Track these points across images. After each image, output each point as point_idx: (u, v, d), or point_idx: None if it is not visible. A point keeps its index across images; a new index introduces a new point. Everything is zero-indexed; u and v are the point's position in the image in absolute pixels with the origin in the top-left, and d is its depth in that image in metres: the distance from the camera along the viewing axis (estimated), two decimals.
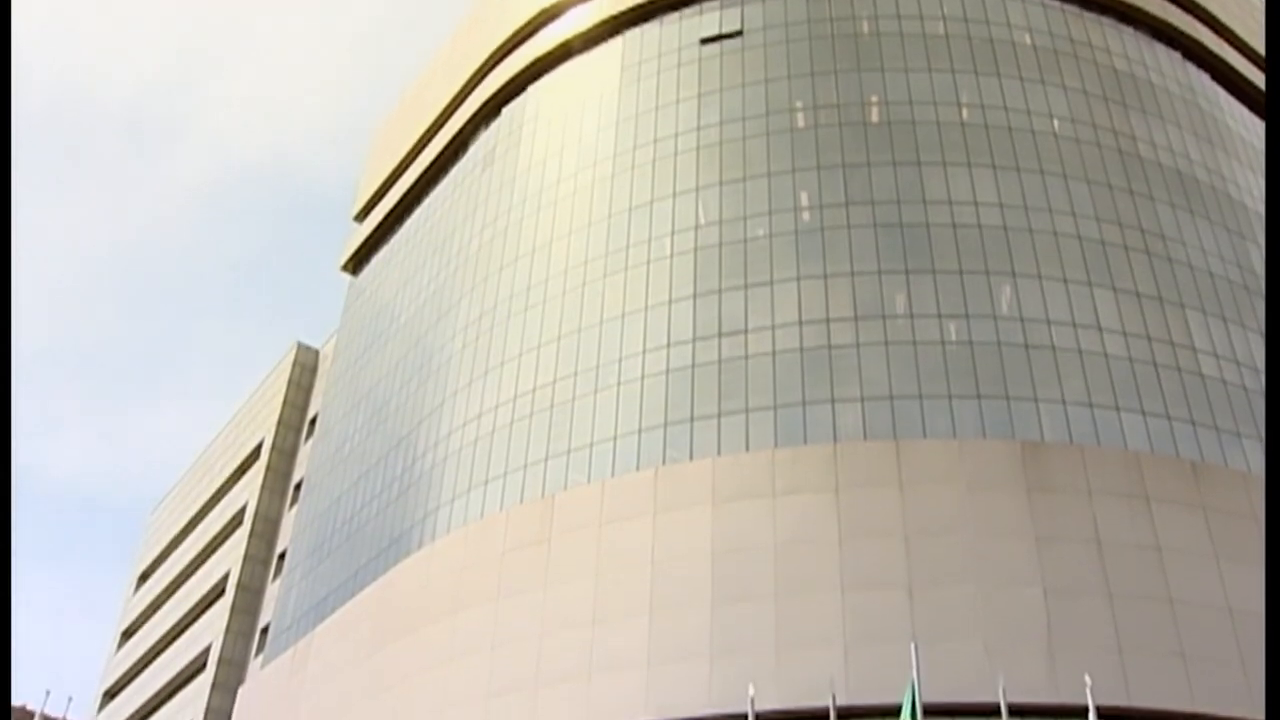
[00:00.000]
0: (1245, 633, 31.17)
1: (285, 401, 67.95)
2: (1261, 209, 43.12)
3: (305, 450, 62.10)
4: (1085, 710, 25.04)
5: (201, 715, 60.12)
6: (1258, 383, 37.27)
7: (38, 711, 38.88)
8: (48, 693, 38.88)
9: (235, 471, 70.88)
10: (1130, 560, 31.74)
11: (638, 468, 34.94)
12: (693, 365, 36.19)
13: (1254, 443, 35.77)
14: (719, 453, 34.32)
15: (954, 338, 35.54)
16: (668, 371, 36.38)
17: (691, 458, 34.55)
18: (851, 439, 33.81)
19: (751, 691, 25.33)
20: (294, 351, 69.63)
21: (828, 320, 35.95)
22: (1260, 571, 32.42)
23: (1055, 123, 41.58)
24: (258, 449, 68.59)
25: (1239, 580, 32.06)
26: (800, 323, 36.06)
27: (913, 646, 25.35)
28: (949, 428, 33.80)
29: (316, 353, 68.94)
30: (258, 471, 66.82)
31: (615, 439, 35.81)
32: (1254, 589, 31.91)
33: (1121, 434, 34.47)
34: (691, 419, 35.22)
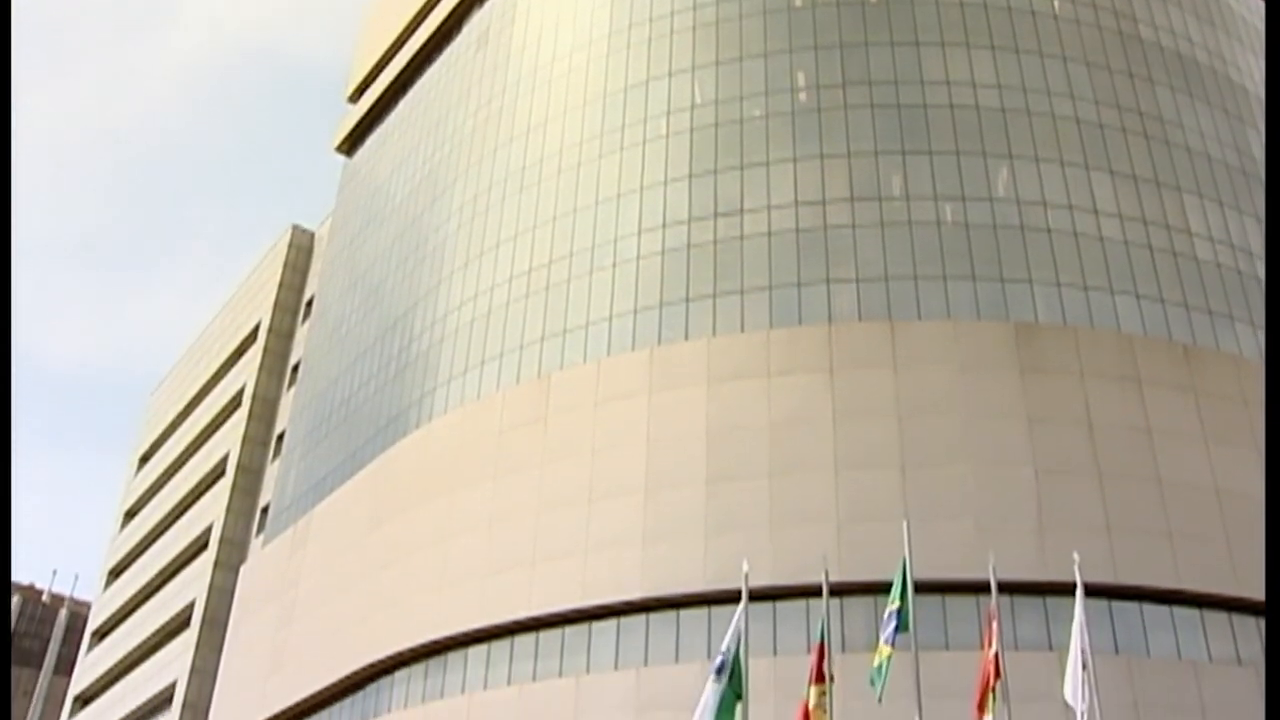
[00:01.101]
0: (1232, 513, 31.59)
1: (281, 284, 67.88)
2: (1261, 93, 42.76)
3: (302, 332, 62.20)
4: (1073, 587, 25.33)
5: (204, 593, 60.91)
6: (1251, 267, 37.30)
7: (45, 589, 39.41)
8: (54, 572, 39.54)
9: (233, 354, 71.02)
10: (1121, 441, 32.03)
11: (633, 348, 35.05)
12: (688, 246, 36.15)
13: (1245, 326, 35.90)
14: (714, 333, 34.43)
15: (950, 219, 35.47)
16: (663, 252, 36.35)
17: (687, 338, 34.65)
18: (846, 320, 33.89)
19: (745, 567, 25.54)
20: (289, 234, 69.38)
21: (824, 201, 35.84)
22: (1250, 453, 32.83)
23: (1055, 3, 41.07)
24: (255, 331, 68.66)
25: (1227, 461, 32.41)
26: (796, 204, 35.94)
27: (905, 524, 25.56)
28: (944, 309, 33.87)
29: (312, 235, 68.70)
30: (255, 354, 66.96)
31: (611, 319, 35.89)
32: (1241, 470, 32.32)
33: (1115, 316, 34.57)
34: (687, 299, 35.26)
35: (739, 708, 23.18)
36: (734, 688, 23.35)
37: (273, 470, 57.63)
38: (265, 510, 55.82)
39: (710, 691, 23.25)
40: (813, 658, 23.99)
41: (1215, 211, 37.89)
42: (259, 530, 57.03)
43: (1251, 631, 30.69)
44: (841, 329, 33.56)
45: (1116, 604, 30.04)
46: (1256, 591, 30.59)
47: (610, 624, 31.39)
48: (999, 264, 34.68)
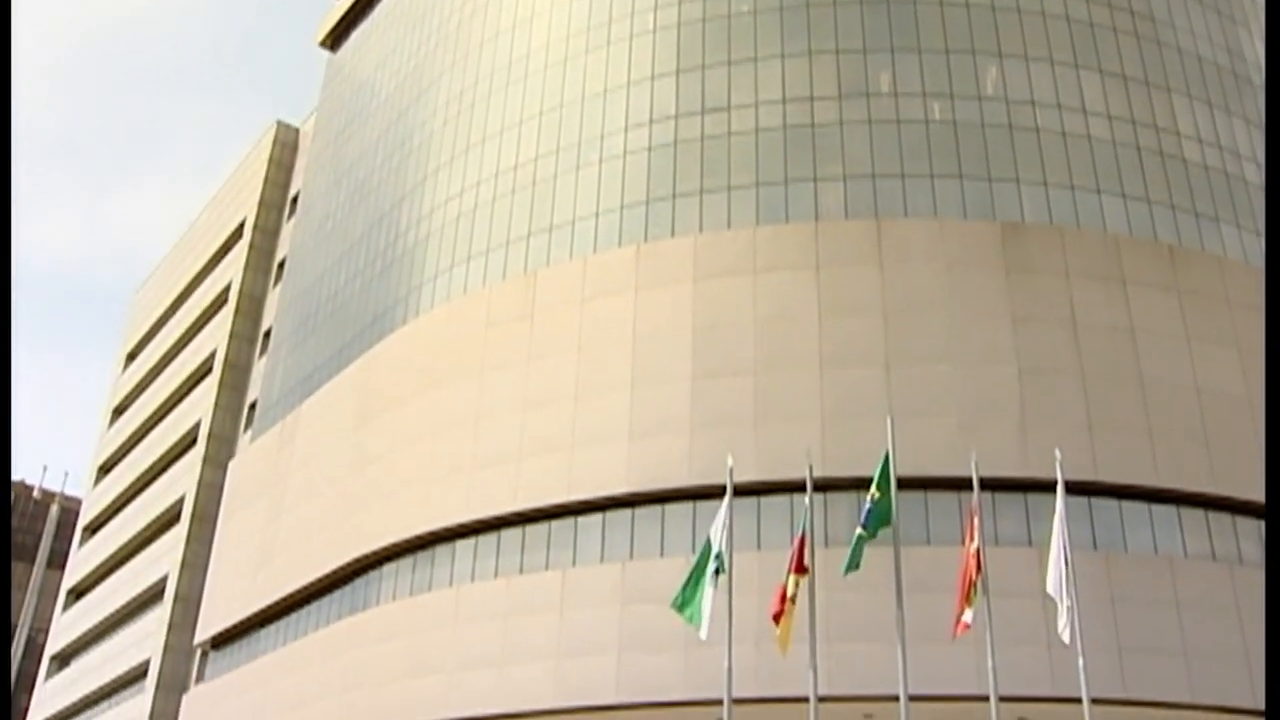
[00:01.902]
0: (1212, 411, 31.91)
1: (266, 180, 67.47)
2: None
3: (287, 229, 61.97)
4: (1054, 484, 25.63)
5: (194, 489, 61.28)
6: (1239, 169, 37.26)
7: (36, 485, 39.64)
8: (45, 468, 39.67)
9: (219, 251, 70.78)
10: (1104, 340, 32.21)
11: (620, 244, 35.02)
12: (675, 142, 35.96)
13: (1231, 228, 35.95)
14: (701, 230, 34.39)
15: (938, 117, 35.31)
16: (650, 148, 36.17)
17: (673, 234, 34.61)
18: (833, 217, 33.86)
19: (730, 463, 25.82)
20: (274, 130, 68.77)
21: (811, 98, 35.61)
22: (1231, 352, 33.08)
23: None
24: (240, 228, 68.39)
25: (1209, 361, 32.66)
26: (784, 100, 35.71)
27: (888, 421, 25.80)
28: (930, 207, 33.86)
29: (297, 131, 68.12)
30: (241, 250, 66.75)
31: (597, 215, 35.81)
32: (1222, 369, 32.59)
33: (1101, 216, 34.59)
34: (674, 196, 35.16)
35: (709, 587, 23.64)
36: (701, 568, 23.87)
37: (260, 366, 57.75)
38: (253, 406, 56.01)
39: (709, 594, 23.66)
40: (794, 548, 24.35)
41: (1204, 113, 37.76)
42: (247, 426, 57.26)
43: (1227, 528, 31.16)
44: (828, 226, 33.54)
45: (1096, 501, 30.42)
46: (1233, 489, 31.10)
47: (596, 518, 31.73)
48: (986, 163, 34.60)
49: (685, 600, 23.81)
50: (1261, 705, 28.78)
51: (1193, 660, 28.79)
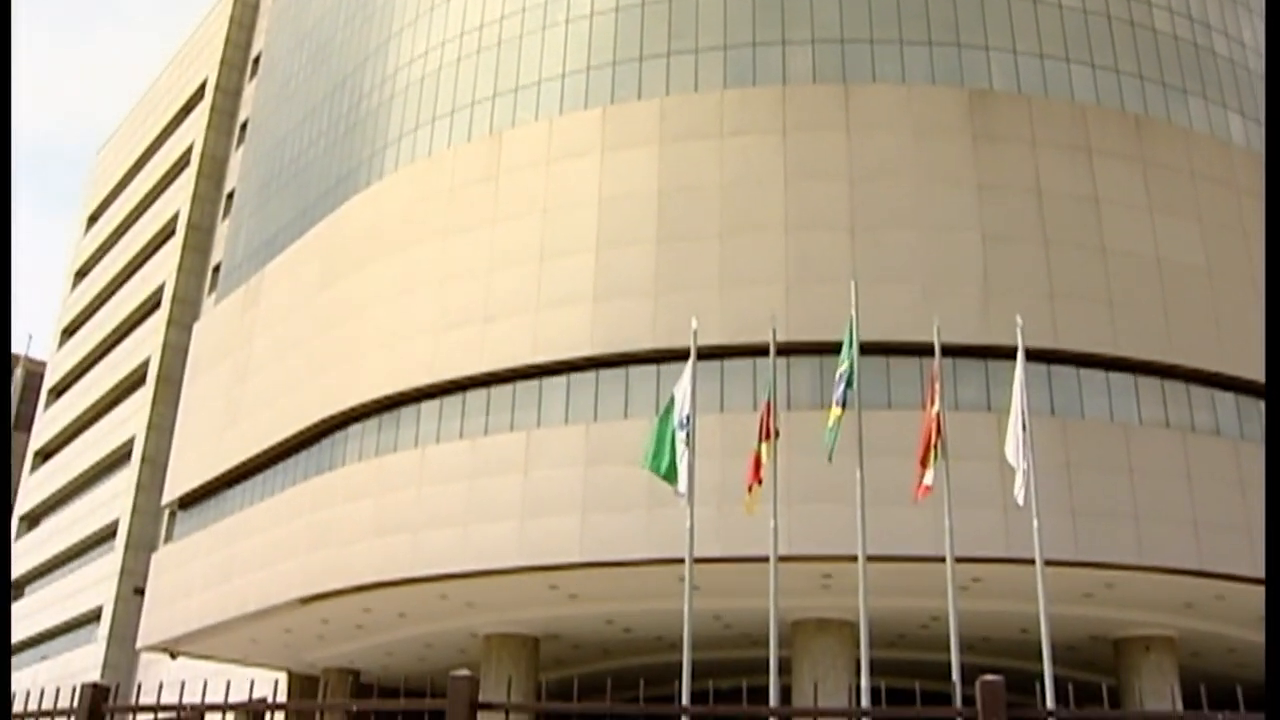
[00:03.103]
0: (1171, 282, 32.23)
1: (228, 40, 66.49)
2: None
3: (250, 89, 61.18)
4: (1014, 351, 25.93)
5: (159, 351, 61.35)
6: (1209, 40, 37.14)
7: None
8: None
9: (180, 111, 69.96)
10: (1068, 210, 32.36)
11: (586, 106, 34.74)
12: (643, 3, 35.45)
13: (1198, 100, 35.95)
14: (667, 92, 34.12)
15: None
16: (617, 9, 35.69)
17: (640, 97, 34.34)
18: (801, 81, 33.65)
19: (694, 325, 26.00)
20: None
21: None
22: (1193, 225, 33.33)
23: None
24: (202, 89, 67.56)
25: (1171, 232, 32.89)
26: None
27: (853, 286, 25.98)
28: (898, 73, 33.68)
29: None
30: (203, 111, 66.03)
31: (563, 76, 35.47)
32: (1183, 241, 32.86)
33: (1069, 85, 34.51)
34: (640, 58, 34.83)
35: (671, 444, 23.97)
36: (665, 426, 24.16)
37: (223, 229, 57.46)
38: (217, 268, 55.84)
39: (682, 453, 23.96)
40: (761, 415, 24.64)
41: None
42: (211, 288, 57.16)
43: (1181, 397, 31.66)
44: (795, 91, 33.35)
45: (1055, 368, 30.81)
46: (1189, 359, 31.56)
47: (560, 380, 31.93)
48: (955, 29, 34.38)
49: (657, 461, 24.09)
50: (1207, 568, 29.65)
51: (1143, 524, 29.45)
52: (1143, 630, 33.97)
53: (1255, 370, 32.19)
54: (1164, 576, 29.75)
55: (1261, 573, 30.11)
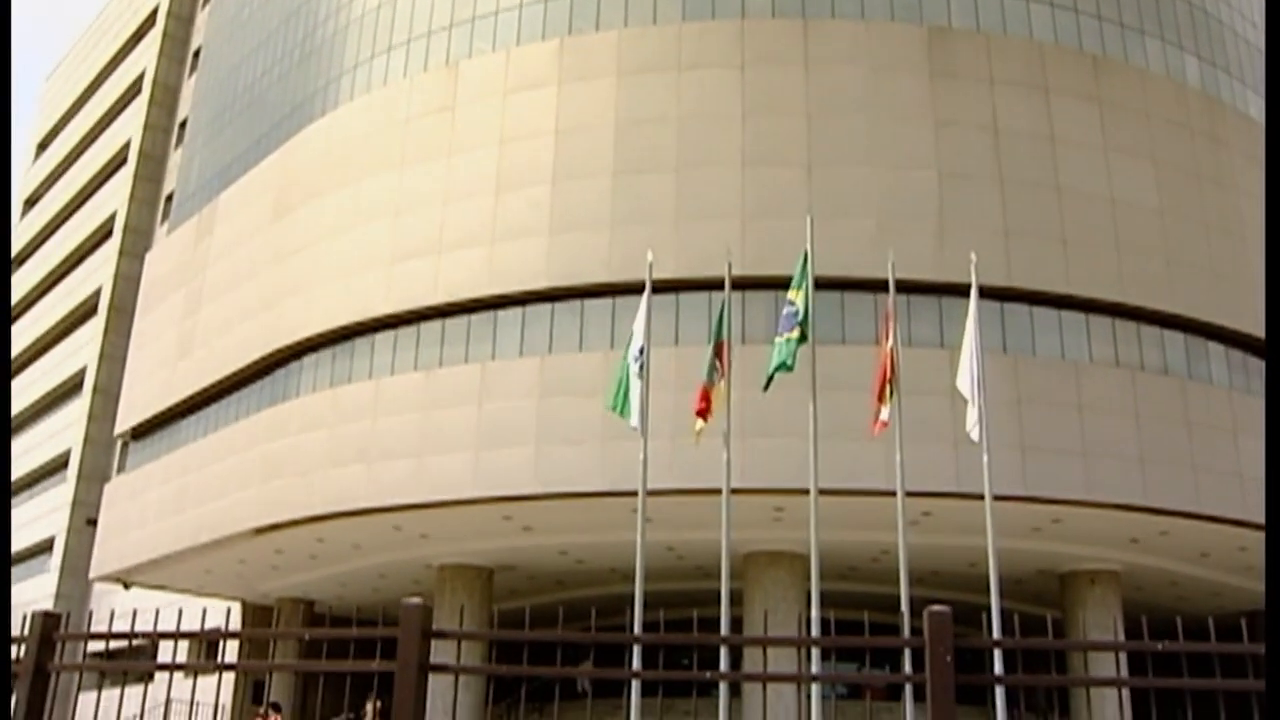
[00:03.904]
0: (1125, 222, 32.46)
1: None
2: None
3: (203, 16, 60.22)
4: (968, 288, 26.06)
5: (110, 281, 60.78)
6: None
7: None
8: None
9: (131, 38, 68.85)
10: (1024, 148, 32.47)
11: (543, 37, 34.39)
12: None
13: (1155, 40, 36.00)
14: (625, 24, 33.80)
15: None
16: None
17: (598, 29, 34.03)
18: (759, 15, 33.43)
19: (650, 258, 25.96)
20: None
21: None
22: (1147, 165, 33.53)
23: None
24: (153, 15, 66.46)
25: (1125, 173, 33.07)
26: None
27: (808, 221, 25.96)
28: (857, 9, 33.51)
29: None
30: (154, 38, 65.01)
31: (521, 7, 35.05)
32: (1138, 181, 33.09)
33: (1028, 23, 34.48)
34: None
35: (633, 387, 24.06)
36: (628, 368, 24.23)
37: (176, 158, 56.76)
38: (169, 198, 55.22)
39: (635, 387, 24.02)
40: (713, 350, 24.67)
41: None
42: (163, 218, 56.55)
43: (1131, 336, 31.99)
44: (754, 24, 33.16)
45: (1008, 306, 31.04)
46: (1140, 299, 31.88)
47: (516, 312, 31.87)
48: None
49: (616, 399, 24.15)
50: (1152, 504, 30.13)
51: (1091, 460, 29.85)
52: (1088, 564, 34.56)
53: (1204, 311, 32.61)
54: (1110, 512, 30.21)
55: (1205, 509, 30.71)
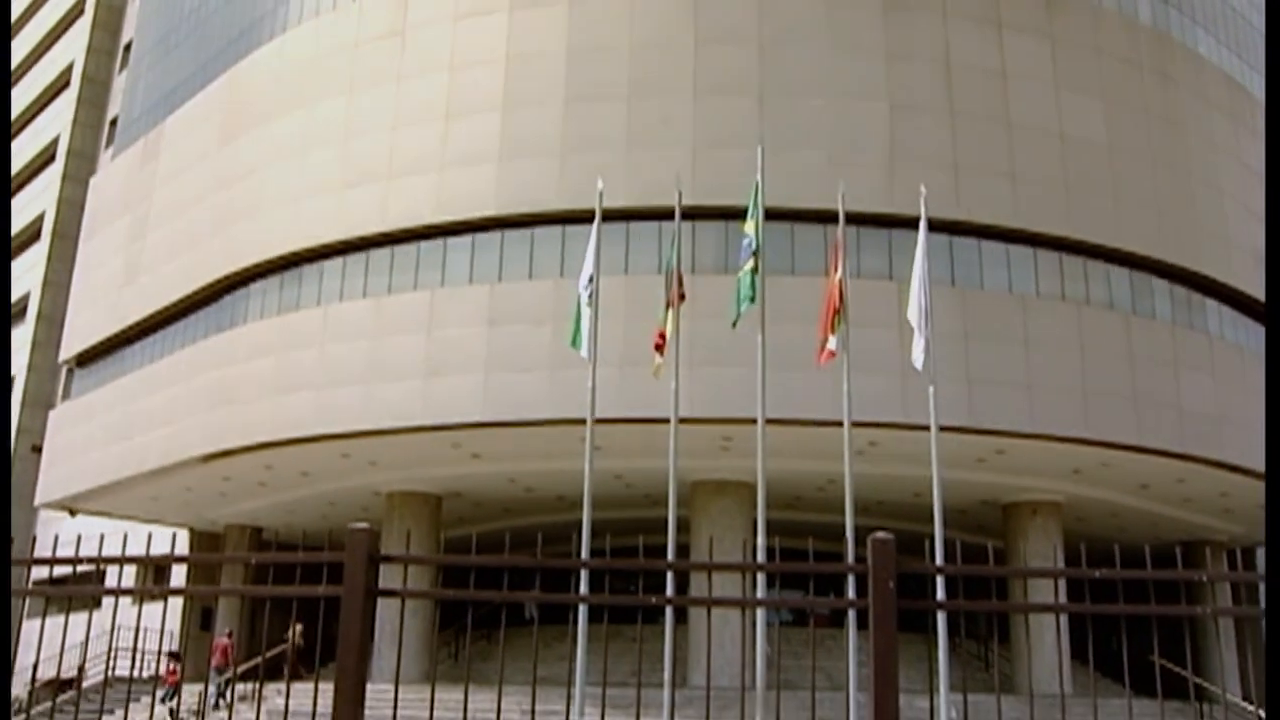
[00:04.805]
0: (1074, 158, 32.68)
1: None
2: None
3: None
4: (918, 221, 26.14)
5: (54, 206, 59.94)
6: None
7: None
8: None
9: None
10: (976, 83, 32.50)
11: None
12: None
13: None
14: None
15: None
16: None
17: None
18: None
19: (600, 187, 25.83)
20: None
21: None
22: (1097, 102, 33.66)
23: None
24: None
25: (1075, 108, 33.23)
26: None
27: (759, 151, 25.91)
28: None
29: None
30: None
31: None
32: (1087, 117, 33.24)
33: None
34: None
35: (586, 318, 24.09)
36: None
37: (120, 81, 55.79)
38: (114, 122, 54.29)
39: (586, 315, 24.03)
40: (670, 277, 24.67)
41: None
42: (108, 143, 55.67)
43: (1078, 271, 32.29)
44: None
45: (957, 239, 31.20)
46: (1088, 234, 32.17)
47: (465, 240, 31.69)
48: None
49: (573, 334, 24.17)
50: (1094, 436, 30.55)
51: (1035, 393, 30.21)
52: (1031, 495, 35.06)
53: (1149, 247, 32.93)
54: (1053, 444, 30.62)
55: (1146, 442, 31.20)
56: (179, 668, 31.60)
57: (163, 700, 30.43)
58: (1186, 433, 31.97)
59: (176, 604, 41.20)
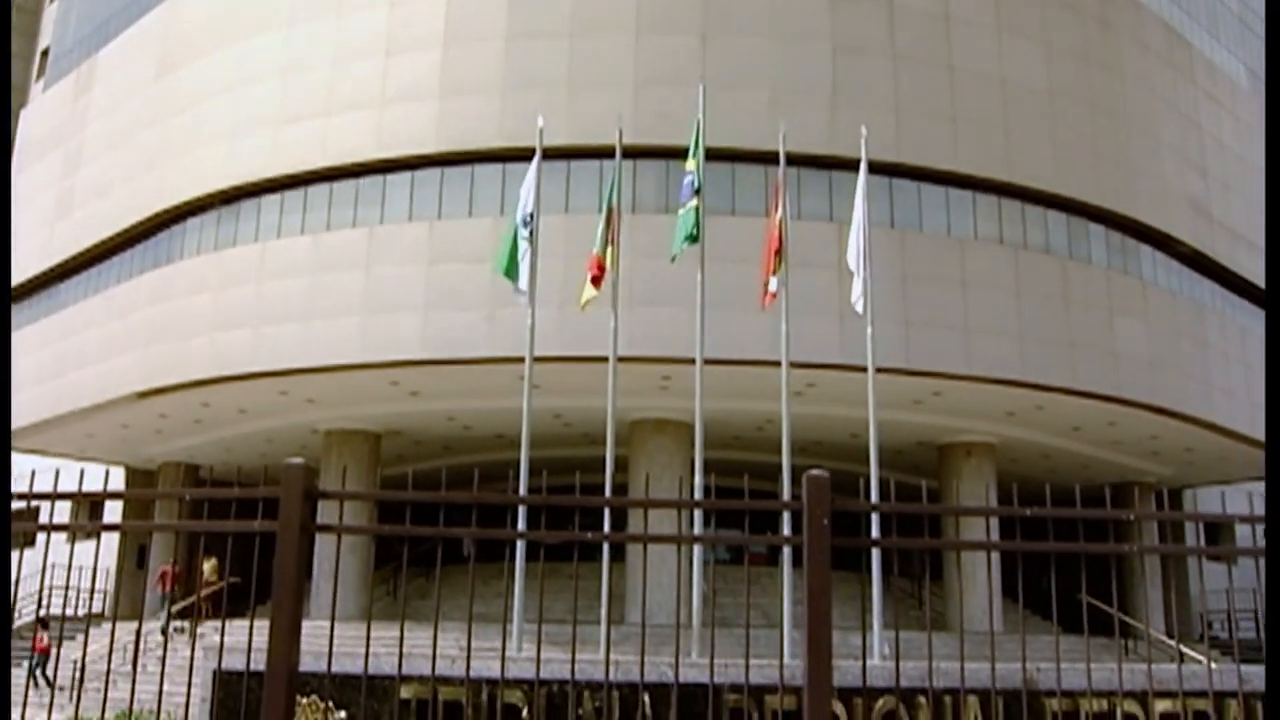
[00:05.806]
0: (1015, 103, 32.85)
1: None
2: None
3: None
4: (858, 163, 26.23)
5: None
6: None
7: None
8: None
9: None
10: (919, 26, 32.50)
11: None
12: None
13: None
14: None
15: None
16: None
17: None
18: None
19: (541, 124, 25.67)
20: None
21: None
22: (1037, 47, 33.80)
23: None
24: None
25: (1017, 54, 33.37)
26: None
27: (701, 90, 25.84)
28: None
29: None
30: None
31: None
32: (1028, 64, 33.46)
33: None
34: None
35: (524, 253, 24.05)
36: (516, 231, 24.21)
37: (52, 11, 54.60)
38: (45, 53, 53.20)
39: (524, 251, 23.97)
40: (604, 218, 24.62)
41: None
42: (39, 74, 54.54)
43: (1015, 214, 32.54)
44: None
45: (897, 181, 31.32)
46: (1026, 178, 32.45)
47: (404, 176, 31.38)
48: None
49: (504, 262, 24.08)
50: (1029, 379, 30.94)
51: (972, 335, 30.51)
52: (966, 437, 35.51)
53: (1087, 192, 33.24)
54: (989, 386, 31.00)
55: (1079, 385, 31.65)
56: (47, 635, 31.30)
57: (33, 669, 29.58)
58: (1120, 376, 32.43)
59: (110, 542, 40.88)
